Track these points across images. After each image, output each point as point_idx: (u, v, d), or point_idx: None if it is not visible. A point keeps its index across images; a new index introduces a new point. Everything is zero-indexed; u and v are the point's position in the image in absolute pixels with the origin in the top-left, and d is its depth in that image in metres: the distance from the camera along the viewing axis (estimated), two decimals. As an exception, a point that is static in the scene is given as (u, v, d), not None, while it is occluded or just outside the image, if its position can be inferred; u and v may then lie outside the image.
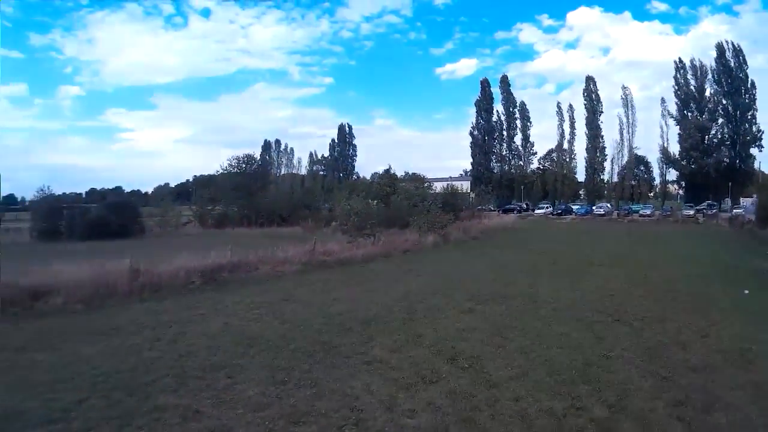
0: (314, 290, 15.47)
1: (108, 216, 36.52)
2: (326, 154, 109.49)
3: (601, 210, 72.84)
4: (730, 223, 49.73)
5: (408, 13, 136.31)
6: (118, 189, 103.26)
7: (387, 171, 49.03)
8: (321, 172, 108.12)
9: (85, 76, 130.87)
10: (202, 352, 8.84)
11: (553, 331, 10.00)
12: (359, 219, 27.99)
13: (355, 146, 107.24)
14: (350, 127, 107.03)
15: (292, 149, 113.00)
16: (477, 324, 10.66)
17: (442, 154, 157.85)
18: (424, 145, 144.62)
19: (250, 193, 50.41)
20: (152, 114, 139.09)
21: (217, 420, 6.15)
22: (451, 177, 76.86)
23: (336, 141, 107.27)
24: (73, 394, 6.93)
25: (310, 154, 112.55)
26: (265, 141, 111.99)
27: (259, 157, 55.72)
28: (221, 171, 54.42)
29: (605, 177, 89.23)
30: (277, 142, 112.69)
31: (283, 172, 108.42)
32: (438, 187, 49.21)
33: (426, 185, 46.01)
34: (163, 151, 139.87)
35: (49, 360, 8.49)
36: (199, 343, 9.46)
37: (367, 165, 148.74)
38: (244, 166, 53.70)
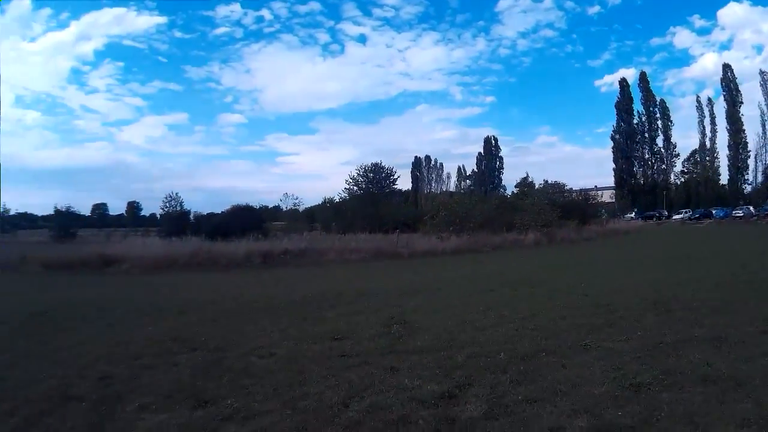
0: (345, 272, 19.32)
1: (230, 221, 40.35)
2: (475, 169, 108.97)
3: (740, 212, 67.34)
4: None
5: (563, 25, 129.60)
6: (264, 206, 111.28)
7: (524, 179, 49.24)
8: (470, 187, 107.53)
9: (244, 104, 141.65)
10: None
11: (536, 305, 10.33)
12: (447, 215, 29.10)
13: (501, 159, 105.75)
14: (496, 140, 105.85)
15: (441, 164, 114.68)
16: (462, 297, 11.77)
17: (605, 168, 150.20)
18: (587, 161, 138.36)
19: (373, 203, 51.85)
20: (314, 138, 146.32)
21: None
22: (596, 186, 74.75)
23: (482, 154, 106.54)
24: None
25: (458, 169, 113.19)
26: (416, 158, 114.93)
27: (393, 169, 56.62)
28: (350, 180, 56.18)
29: (749, 177, 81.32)
30: (427, 158, 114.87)
31: (432, 188, 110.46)
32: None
33: (561, 192, 45.75)
34: (325, 173, 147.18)
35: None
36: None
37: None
38: (370, 174, 55.54)
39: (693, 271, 14.84)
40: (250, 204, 47.31)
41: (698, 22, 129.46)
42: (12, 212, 45.06)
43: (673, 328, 7.34)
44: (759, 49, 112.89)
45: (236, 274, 21.12)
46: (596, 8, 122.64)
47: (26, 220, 64.71)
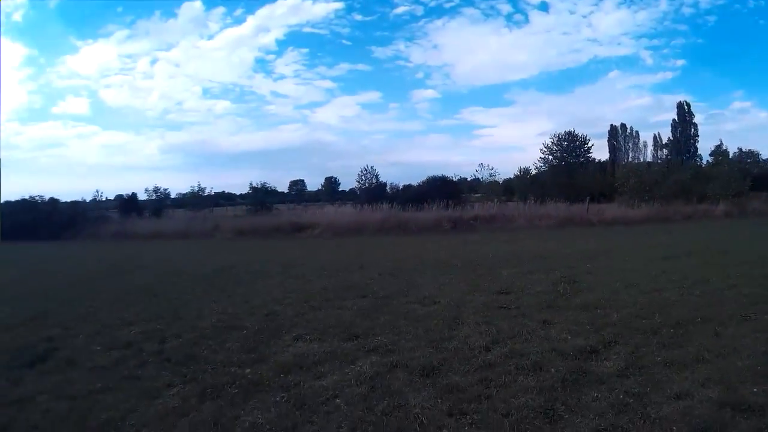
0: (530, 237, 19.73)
1: (427, 192, 40.24)
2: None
3: None
4: None
5: None
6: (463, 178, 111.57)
7: (718, 147, 45.22)
8: (667, 156, 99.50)
9: (436, 79, 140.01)
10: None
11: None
12: (637, 183, 27.74)
13: (695, 125, 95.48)
14: (689, 106, 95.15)
15: (637, 133, 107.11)
16: (638, 262, 11.61)
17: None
18: None
19: (568, 172, 49.95)
20: (510, 110, 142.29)
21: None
22: None
23: (676, 121, 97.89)
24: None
25: (654, 137, 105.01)
26: (611, 126, 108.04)
27: (586, 139, 54.01)
28: (544, 150, 54.10)
29: None
30: (623, 126, 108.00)
31: (630, 157, 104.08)
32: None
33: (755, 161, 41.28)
34: (523, 144, 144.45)
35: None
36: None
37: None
38: (564, 143, 53.32)
39: None
40: (446, 176, 47.18)
41: None
42: (208, 191, 48.60)
43: None
44: None
45: (424, 238, 21.59)
46: None
47: (224, 198, 69.96)
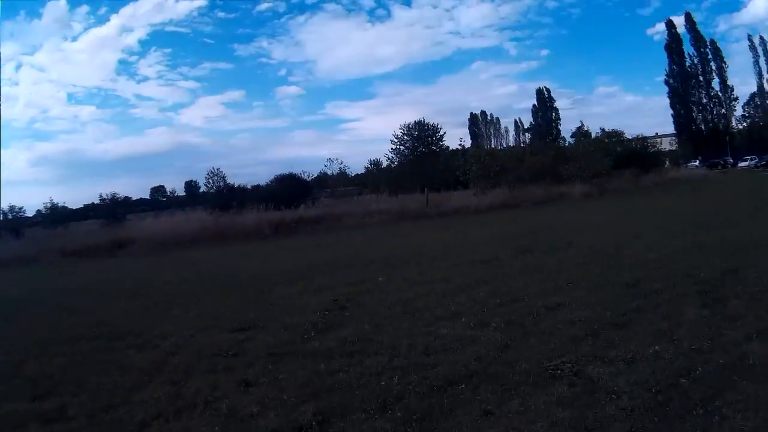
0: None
1: (277, 190, 38.54)
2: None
3: None
4: None
5: None
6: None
7: (579, 128, 46.02)
8: (529, 140, 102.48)
9: (299, 75, 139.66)
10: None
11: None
12: (480, 169, 26.40)
13: (556, 110, 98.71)
14: (548, 91, 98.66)
15: (498, 119, 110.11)
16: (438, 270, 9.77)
17: (667, 117, 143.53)
18: (649, 110, 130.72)
19: (419, 162, 49.50)
20: (373, 103, 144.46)
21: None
22: (657, 134, 68.72)
23: (536, 106, 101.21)
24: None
25: (515, 122, 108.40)
26: (472, 114, 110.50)
27: (437, 126, 53.50)
28: (394, 141, 53.29)
29: None
30: (483, 113, 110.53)
31: (492, 144, 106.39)
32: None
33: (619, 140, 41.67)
34: (389, 136, 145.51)
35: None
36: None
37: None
38: (415, 133, 52.45)
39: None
40: (294, 173, 45.10)
41: None
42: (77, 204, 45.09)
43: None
44: None
45: (237, 247, 19.71)
46: None
47: (91, 210, 66.68)
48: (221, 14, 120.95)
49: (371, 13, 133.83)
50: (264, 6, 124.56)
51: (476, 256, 10.47)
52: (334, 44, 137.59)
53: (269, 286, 9.50)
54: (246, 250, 18.02)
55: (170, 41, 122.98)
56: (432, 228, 19.21)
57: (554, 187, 28.29)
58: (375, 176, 54.88)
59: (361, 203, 28.12)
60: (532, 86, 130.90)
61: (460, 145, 54.23)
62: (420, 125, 52.85)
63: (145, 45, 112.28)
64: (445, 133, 53.59)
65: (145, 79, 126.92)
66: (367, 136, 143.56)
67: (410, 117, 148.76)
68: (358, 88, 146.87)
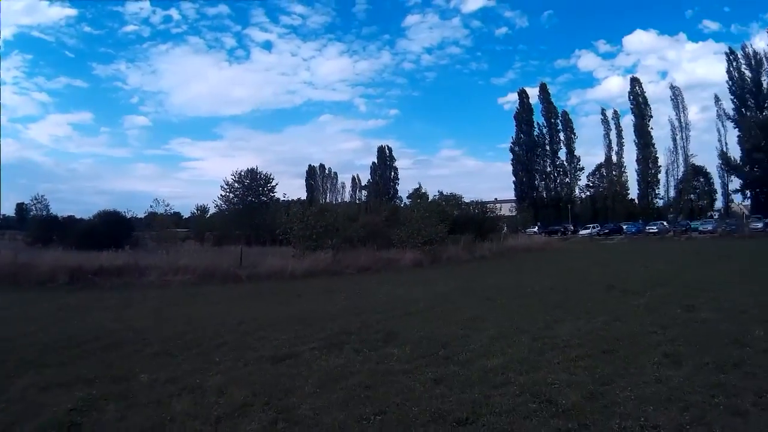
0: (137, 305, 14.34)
1: (99, 228, 36.02)
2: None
3: (654, 228, 63.29)
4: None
5: (468, 43, 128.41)
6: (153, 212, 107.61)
7: (416, 189, 45.80)
8: (365, 198, 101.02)
9: (149, 106, 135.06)
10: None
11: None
12: (302, 230, 24.46)
13: (396, 169, 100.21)
14: (390, 150, 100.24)
15: (335, 173, 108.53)
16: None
17: (508, 183, 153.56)
18: (490, 175, 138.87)
19: (248, 213, 47.85)
20: (218, 144, 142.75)
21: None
22: (497, 199, 70.74)
23: (376, 164, 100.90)
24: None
25: (353, 179, 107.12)
26: (310, 166, 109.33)
27: (270, 179, 52.26)
28: (225, 186, 51.67)
29: (660, 191, 78.66)
30: (322, 167, 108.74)
31: (328, 198, 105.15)
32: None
33: (457, 204, 41.25)
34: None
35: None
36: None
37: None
38: (246, 181, 50.82)
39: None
40: (119, 211, 41.85)
41: (603, 46, 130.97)
42: None
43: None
44: (663, 74, 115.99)
45: (16, 295, 16.02)
46: (503, 29, 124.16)
47: None
48: (87, 29, 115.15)
49: (231, 52, 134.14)
50: (130, 28, 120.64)
51: (269, 350, 8.05)
52: (189, 78, 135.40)
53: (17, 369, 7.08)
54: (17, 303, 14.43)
55: (33, 47, 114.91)
56: (235, 296, 15.95)
57: (384, 252, 26.20)
58: (201, 223, 52.78)
59: (177, 253, 25.03)
60: (376, 143, 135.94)
61: (299, 198, 53.70)
62: (252, 173, 51.09)
63: (9, 46, 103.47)
64: (277, 184, 52.16)
65: (2, 82, 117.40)
66: (208, 177, 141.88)
67: (252, 163, 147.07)
68: (206, 128, 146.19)
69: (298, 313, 11.78)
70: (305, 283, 18.91)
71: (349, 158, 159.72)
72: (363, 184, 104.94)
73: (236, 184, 50.86)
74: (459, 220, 35.47)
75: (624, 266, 22.60)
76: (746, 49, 67.72)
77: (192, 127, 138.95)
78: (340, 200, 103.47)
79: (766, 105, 65.95)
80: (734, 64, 68.30)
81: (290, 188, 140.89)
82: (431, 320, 10.31)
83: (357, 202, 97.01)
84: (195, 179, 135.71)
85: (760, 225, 54.05)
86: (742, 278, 15.74)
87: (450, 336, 8.62)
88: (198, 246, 42.47)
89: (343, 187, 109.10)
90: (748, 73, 67.23)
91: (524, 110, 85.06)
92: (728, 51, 69.49)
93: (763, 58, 65.90)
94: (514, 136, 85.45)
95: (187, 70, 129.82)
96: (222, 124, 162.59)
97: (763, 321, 8.52)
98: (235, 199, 50.65)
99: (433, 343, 8.12)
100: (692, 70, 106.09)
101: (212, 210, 54.44)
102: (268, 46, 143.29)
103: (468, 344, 7.93)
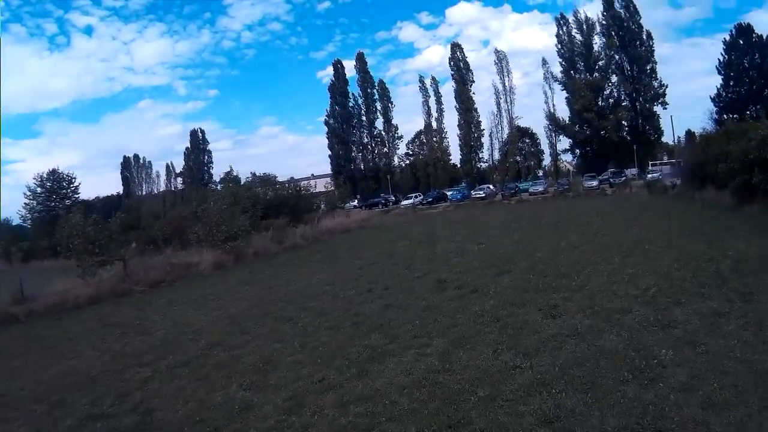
0: None
1: None
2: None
3: (481, 192, 62.10)
4: (650, 190, 41.15)
5: (289, 18, 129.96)
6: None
7: (228, 173, 43.69)
8: (180, 186, 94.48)
9: None
10: None
11: None
12: (82, 244, 20.78)
13: (209, 152, 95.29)
14: (203, 132, 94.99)
15: (150, 163, 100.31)
16: None
17: (324, 156, 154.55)
18: (309, 149, 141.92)
19: (51, 220, 43.09)
20: (37, 142, 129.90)
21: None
22: (313, 174, 70.35)
23: (189, 149, 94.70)
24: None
25: (167, 166, 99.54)
26: (125, 157, 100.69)
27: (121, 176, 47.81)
28: (27, 194, 47.67)
29: (484, 155, 79.26)
30: (136, 157, 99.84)
31: (144, 190, 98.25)
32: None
33: (271, 185, 39.28)
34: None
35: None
36: None
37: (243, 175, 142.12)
38: (49, 185, 46.93)
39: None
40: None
41: (426, 18, 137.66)
42: None
43: None
44: (486, 43, 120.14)
45: None
46: (326, 4, 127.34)
47: None
48: None
49: (52, 39, 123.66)
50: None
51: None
52: (9, 72, 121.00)
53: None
54: None
55: None
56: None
57: (183, 255, 23.61)
58: (6, 238, 46.83)
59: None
60: (196, 126, 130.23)
61: (117, 193, 49.57)
62: (54, 175, 47.24)
63: None
64: (80, 183, 49.33)
65: None
66: (29, 181, 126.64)
67: (73, 160, 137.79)
68: (25, 125, 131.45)
69: (60, 375, 9.34)
70: (88, 315, 16.24)
71: (170, 144, 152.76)
72: (178, 171, 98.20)
73: (38, 189, 47.01)
74: (272, 203, 34.24)
75: (453, 244, 20.70)
76: (578, 15, 71.07)
77: (12, 126, 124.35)
78: (155, 191, 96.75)
79: (595, 67, 69.71)
80: (564, 28, 71.37)
81: (110, 183, 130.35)
82: (202, 378, 7.96)
83: (174, 190, 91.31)
84: (17, 184, 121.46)
85: (594, 183, 54.97)
86: (607, 252, 13.77)
87: (225, 412, 6.41)
88: (3, 266, 37.98)
89: (158, 176, 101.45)
90: (579, 37, 70.53)
91: (339, 81, 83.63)
92: (559, 16, 72.40)
93: (596, 23, 69.36)
94: (328, 109, 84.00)
95: (7, 62, 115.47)
96: (42, 120, 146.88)
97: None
98: (38, 206, 46.82)
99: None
100: (515, 40, 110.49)
101: (16, 221, 49.34)
102: (89, 31, 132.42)
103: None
